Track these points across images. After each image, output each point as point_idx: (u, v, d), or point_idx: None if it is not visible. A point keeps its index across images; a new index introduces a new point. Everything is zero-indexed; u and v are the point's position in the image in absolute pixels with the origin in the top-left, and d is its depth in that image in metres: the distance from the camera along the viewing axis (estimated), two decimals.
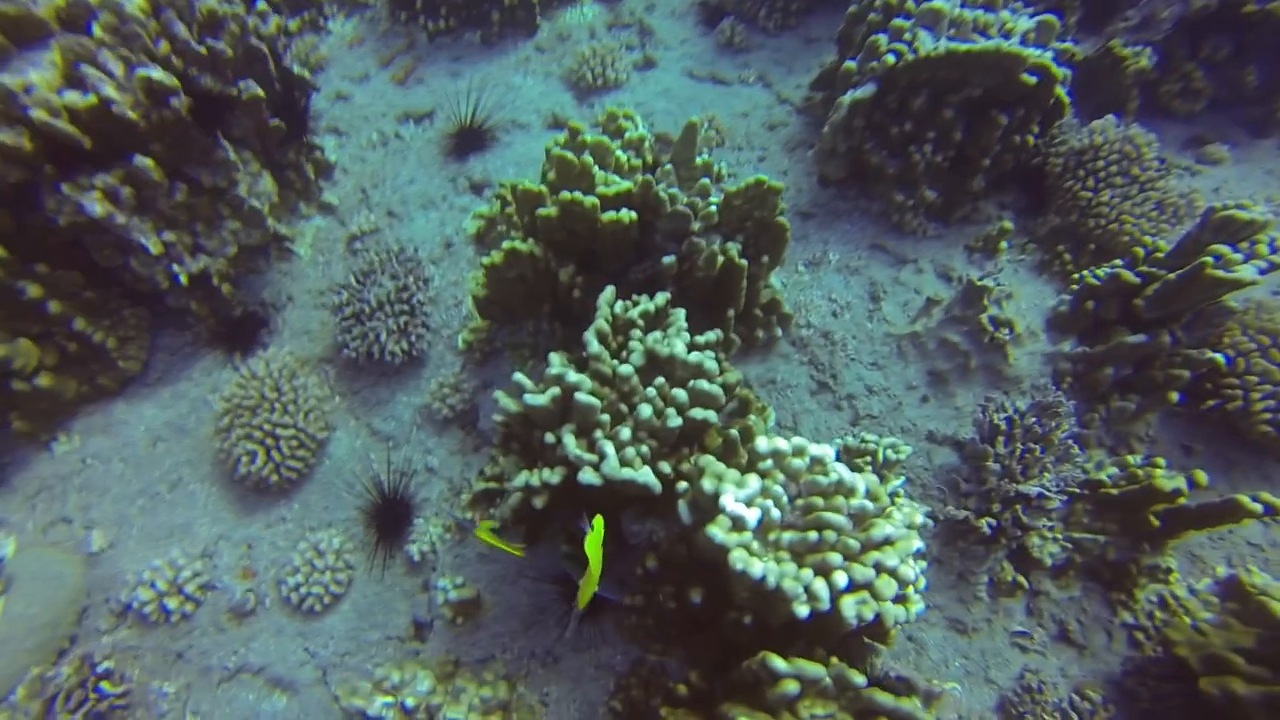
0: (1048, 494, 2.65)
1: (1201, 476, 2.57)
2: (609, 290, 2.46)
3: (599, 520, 2.01)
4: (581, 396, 2.13)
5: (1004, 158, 3.45)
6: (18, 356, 2.98)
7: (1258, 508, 2.37)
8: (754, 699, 1.95)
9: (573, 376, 2.17)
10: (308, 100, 3.96)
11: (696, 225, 2.76)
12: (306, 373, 3.32)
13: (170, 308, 3.43)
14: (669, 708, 2.15)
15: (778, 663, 1.82)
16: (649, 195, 2.66)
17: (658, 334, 2.37)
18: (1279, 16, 3.83)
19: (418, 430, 3.26)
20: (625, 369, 2.23)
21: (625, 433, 2.17)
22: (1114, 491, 2.69)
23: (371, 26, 5.17)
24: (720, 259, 2.74)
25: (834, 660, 1.93)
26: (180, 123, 3.08)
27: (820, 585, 1.84)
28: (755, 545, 1.95)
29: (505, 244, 2.75)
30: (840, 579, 1.85)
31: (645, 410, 2.15)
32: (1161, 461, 2.68)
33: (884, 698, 1.81)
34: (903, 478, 2.79)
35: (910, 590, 1.98)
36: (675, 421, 2.16)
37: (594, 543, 1.96)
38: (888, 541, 1.94)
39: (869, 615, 1.85)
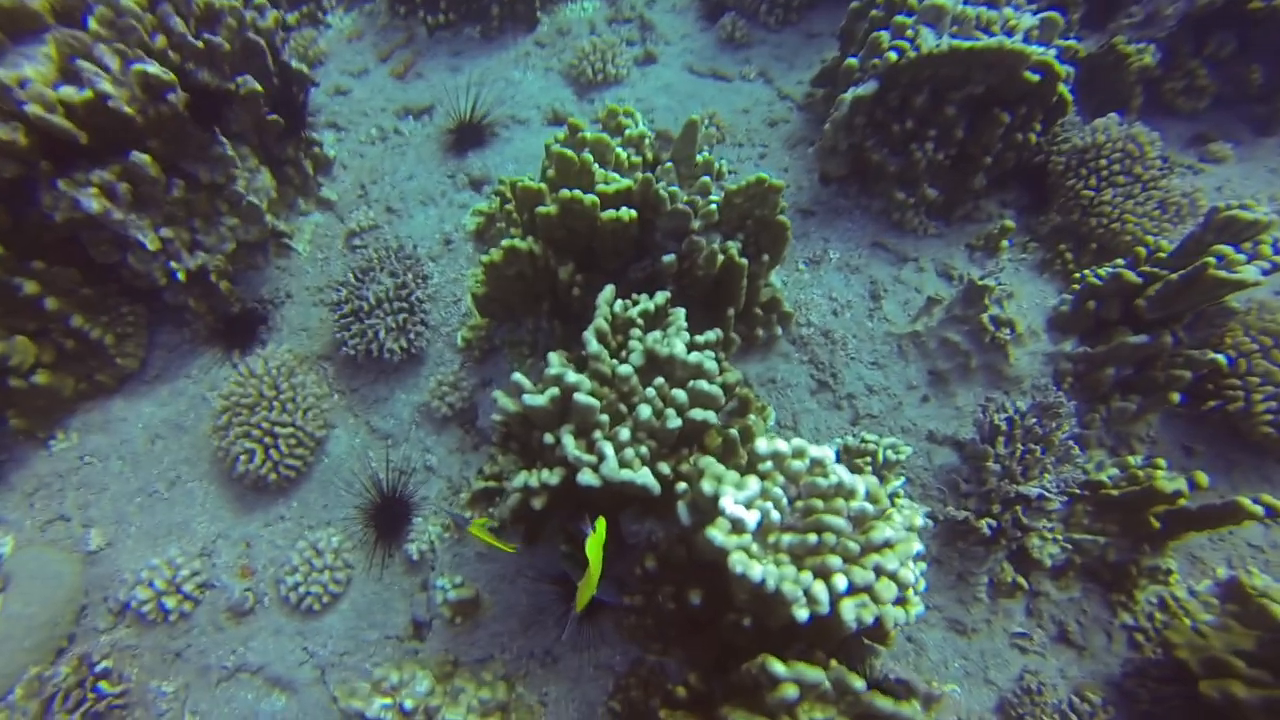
0: (1048, 495, 2.64)
1: (1202, 478, 2.56)
2: (608, 289, 2.45)
3: (601, 523, 2.00)
4: (580, 397, 2.12)
5: (1006, 156, 3.43)
6: (15, 354, 2.96)
7: (1259, 510, 2.37)
8: (753, 702, 1.95)
9: (572, 377, 2.15)
10: (306, 95, 3.93)
11: (697, 224, 2.74)
12: (305, 370, 3.31)
13: (168, 304, 3.41)
14: (668, 710, 2.15)
15: (777, 667, 1.81)
16: (649, 193, 2.64)
17: (657, 333, 2.36)
18: None
19: (417, 428, 3.25)
20: (625, 369, 2.22)
21: (624, 433, 2.16)
22: (1114, 492, 2.68)
23: (371, 20, 5.13)
24: (720, 258, 2.72)
25: (833, 663, 1.93)
26: (177, 118, 3.06)
27: (820, 588, 1.83)
28: (755, 547, 1.94)
29: (504, 242, 2.74)
30: (840, 582, 1.84)
31: (644, 411, 2.14)
32: (1162, 462, 2.68)
33: (883, 702, 1.80)
34: (903, 478, 2.78)
35: (910, 593, 1.97)
36: (675, 423, 2.14)
37: (595, 545, 1.95)
38: (888, 544, 1.94)
39: (869, 619, 1.84)
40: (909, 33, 3.16)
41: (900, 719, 1.78)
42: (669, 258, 2.72)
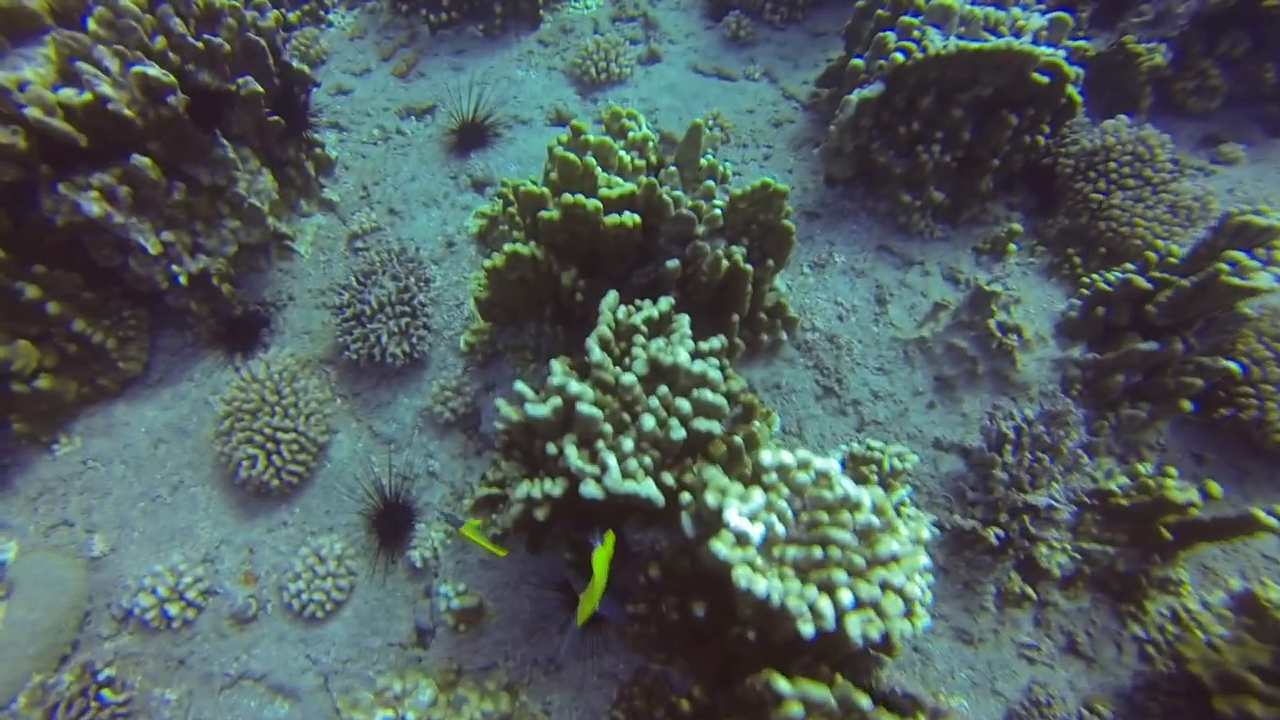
0: (1056, 505, 2.61)
1: (1215, 488, 2.53)
2: (612, 295, 2.42)
3: (610, 537, 1.99)
4: (583, 407, 2.09)
5: (1013, 158, 3.38)
6: (17, 358, 2.95)
7: (1273, 522, 2.33)
8: (757, 718, 1.93)
9: (574, 387, 2.13)
10: (307, 95, 3.90)
11: (701, 229, 2.71)
12: (307, 375, 3.29)
13: (170, 308, 3.40)
14: None
15: (782, 684, 1.79)
16: (653, 198, 2.61)
17: (661, 341, 2.33)
18: None
19: (419, 433, 3.24)
20: (628, 378, 2.19)
21: (628, 444, 2.13)
22: (1124, 502, 2.65)
23: (373, 18, 5.10)
24: (725, 264, 2.69)
25: (839, 679, 1.91)
26: (178, 120, 3.04)
27: (825, 604, 1.81)
28: (759, 561, 1.92)
29: (507, 247, 2.71)
30: (846, 597, 1.82)
31: (648, 421, 2.12)
32: (1173, 471, 2.64)
33: (890, 719, 1.78)
34: (909, 487, 2.75)
35: (917, 606, 1.95)
36: (679, 433, 2.12)
37: (601, 559, 1.94)
38: (894, 559, 1.91)
39: (875, 635, 1.82)
40: (915, 33, 3.12)
41: None
42: (673, 263, 2.69)
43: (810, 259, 3.49)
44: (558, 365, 2.27)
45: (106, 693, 2.52)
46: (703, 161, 2.83)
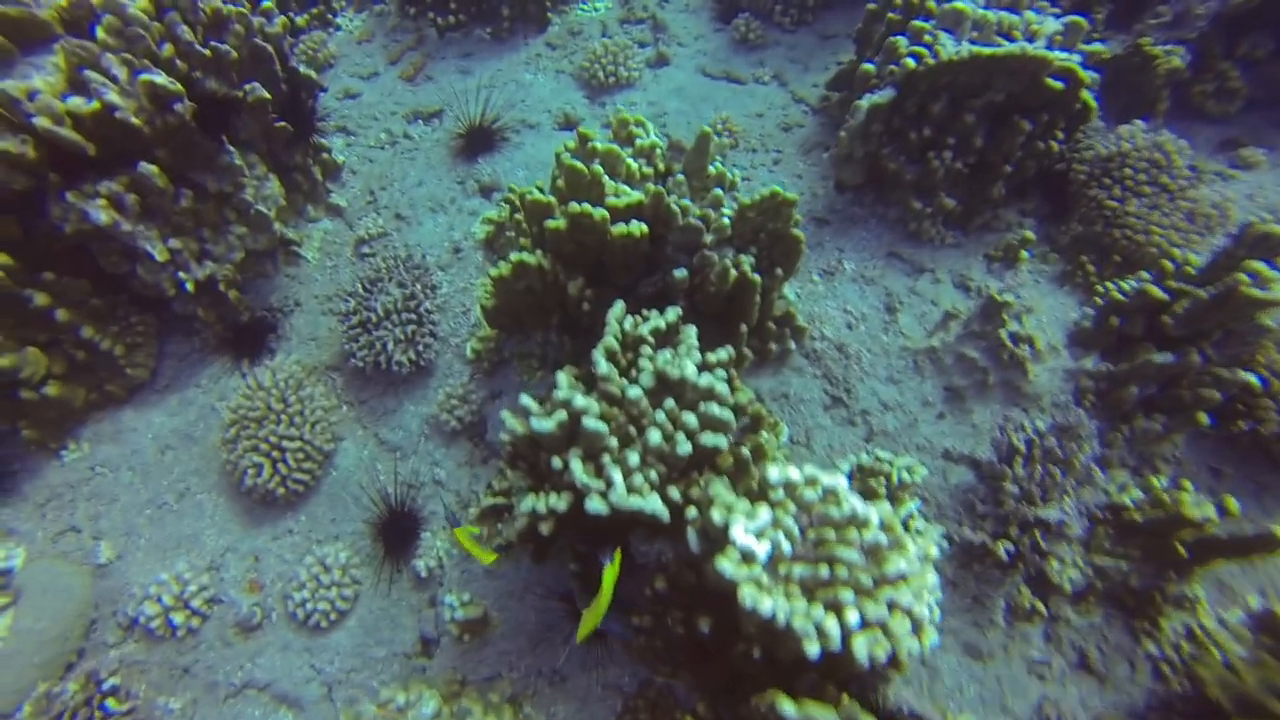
0: (1068, 520, 2.57)
1: (1232, 504, 2.47)
2: (618, 306, 2.40)
3: (618, 555, 1.97)
4: (589, 422, 2.07)
5: (1026, 164, 3.33)
6: (26, 366, 2.97)
7: None
8: None
9: (580, 401, 2.11)
10: (315, 100, 3.90)
11: (709, 238, 2.69)
12: (313, 382, 3.29)
13: (178, 314, 3.40)
14: None
15: (787, 707, 1.77)
16: (660, 207, 2.59)
17: (668, 354, 2.31)
18: None
19: (425, 441, 3.23)
20: (634, 392, 2.17)
21: (634, 458, 2.11)
22: (1137, 517, 2.61)
23: (381, 21, 5.10)
24: (733, 273, 2.66)
25: (845, 699, 1.88)
26: (185, 128, 3.04)
27: (831, 624, 1.78)
28: (765, 579, 1.89)
29: (513, 256, 2.69)
30: (852, 617, 1.79)
31: (654, 436, 2.10)
32: (1189, 485, 2.59)
33: None
34: (917, 500, 2.71)
35: (925, 624, 1.92)
36: (685, 448, 2.10)
37: (609, 578, 1.92)
38: (902, 578, 1.88)
39: (881, 656, 1.79)
40: (927, 38, 3.08)
41: None
42: (681, 273, 2.67)
43: (819, 266, 3.45)
44: (563, 378, 2.25)
45: (110, 702, 2.52)
46: (711, 169, 2.80)
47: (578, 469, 2.10)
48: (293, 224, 3.86)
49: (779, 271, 2.84)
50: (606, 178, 2.65)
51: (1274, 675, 2.14)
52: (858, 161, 3.46)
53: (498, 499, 2.74)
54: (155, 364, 3.41)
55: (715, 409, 2.13)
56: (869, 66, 3.33)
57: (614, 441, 2.15)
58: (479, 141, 4.16)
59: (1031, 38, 3.07)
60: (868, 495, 2.57)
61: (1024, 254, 3.33)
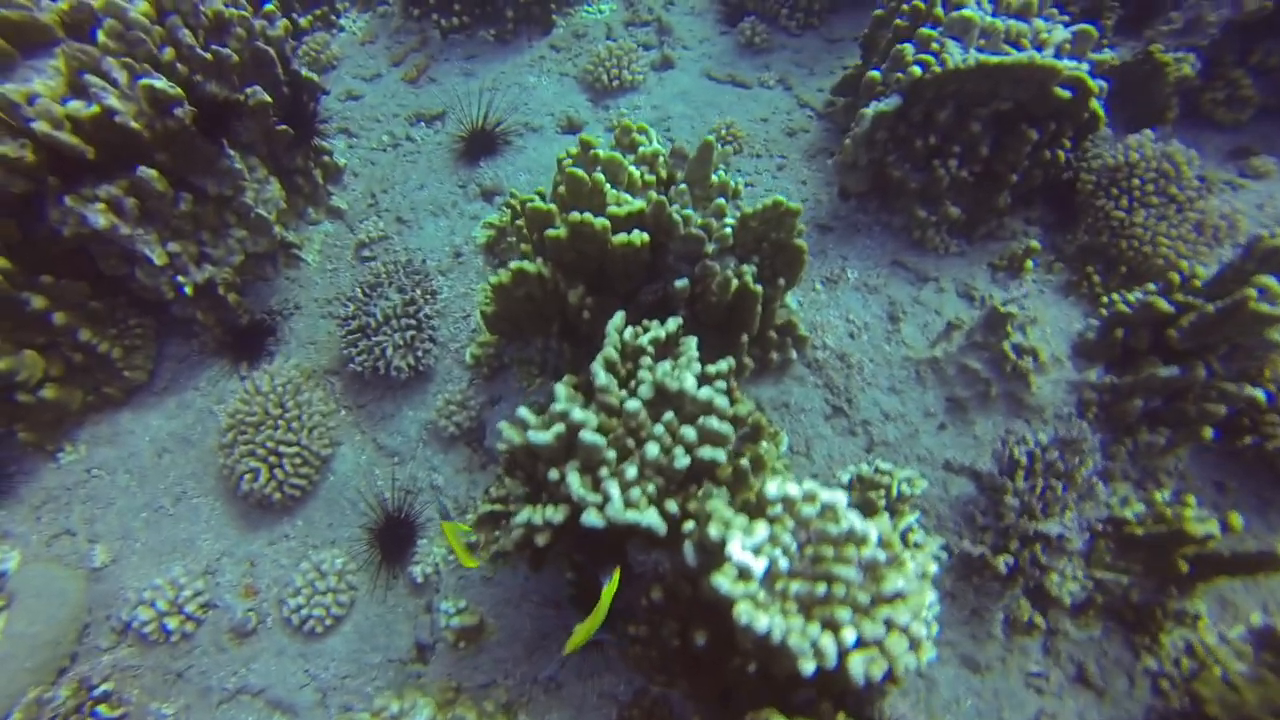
0: (1068, 535, 2.55)
1: (1236, 520, 2.45)
2: (618, 316, 2.38)
3: (616, 573, 1.96)
4: (587, 435, 2.06)
5: (1033, 173, 3.30)
6: (23, 369, 2.96)
7: None
8: None
9: (578, 414, 2.09)
10: (316, 103, 3.89)
11: (711, 247, 2.67)
12: (311, 386, 3.28)
13: (176, 316, 3.39)
14: None
15: None
16: (662, 216, 2.57)
17: (667, 365, 2.29)
18: None
19: (424, 446, 3.22)
20: (633, 404, 2.15)
21: (631, 471, 2.09)
22: (1139, 531, 2.58)
23: (384, 23, 5.09)
24: (735, 283, 2.64)
25: (841, 717, 1.86)
26: (185, 132, 3.03)
27: (828, 642, 1.76)
28: (761, 596, 1.87)
29: (513, 264, 2.67)
30: (849, 635, 1.77)
31: (652, 450, 2.08)
32: (1192, 500, 2.56)
33: None
34: (917, 513, 2.69)
35: (923, 642, 1.90)
36: (683, 461, 2.08)
37: (606, 595, 1.91)
38: (900, 596, 1.86)
39: (878, 674, 1.77)
40: (934, 46, 3.05)
41: None
42: (682, 282, 2.65)
43: (822, 274, 3.42)
44: (562, 389, 2.23)
45: (102, 709, 2.51)
46: (713, 178, 2.77)
47: (574, 482, 2.08)
48: (293, 227, 3.85)
49: (781, 281, 2.82)
50: (608, 186, 2.63)
51: (1275, 693, 2.11)
52: (862, 168, 3.43)
53: (495, 506, 2.73)
54: (153, 366, 3.40)
55: (714, 423, 2.11)
56: (875, 74, 3.30)
57: (612, 454, 2.13)
58: (481, 144, 4.14)
59: (1040, 46, 3.04)
60: (867, 508, 2.54)
61: (1029, 264, 3.30)
